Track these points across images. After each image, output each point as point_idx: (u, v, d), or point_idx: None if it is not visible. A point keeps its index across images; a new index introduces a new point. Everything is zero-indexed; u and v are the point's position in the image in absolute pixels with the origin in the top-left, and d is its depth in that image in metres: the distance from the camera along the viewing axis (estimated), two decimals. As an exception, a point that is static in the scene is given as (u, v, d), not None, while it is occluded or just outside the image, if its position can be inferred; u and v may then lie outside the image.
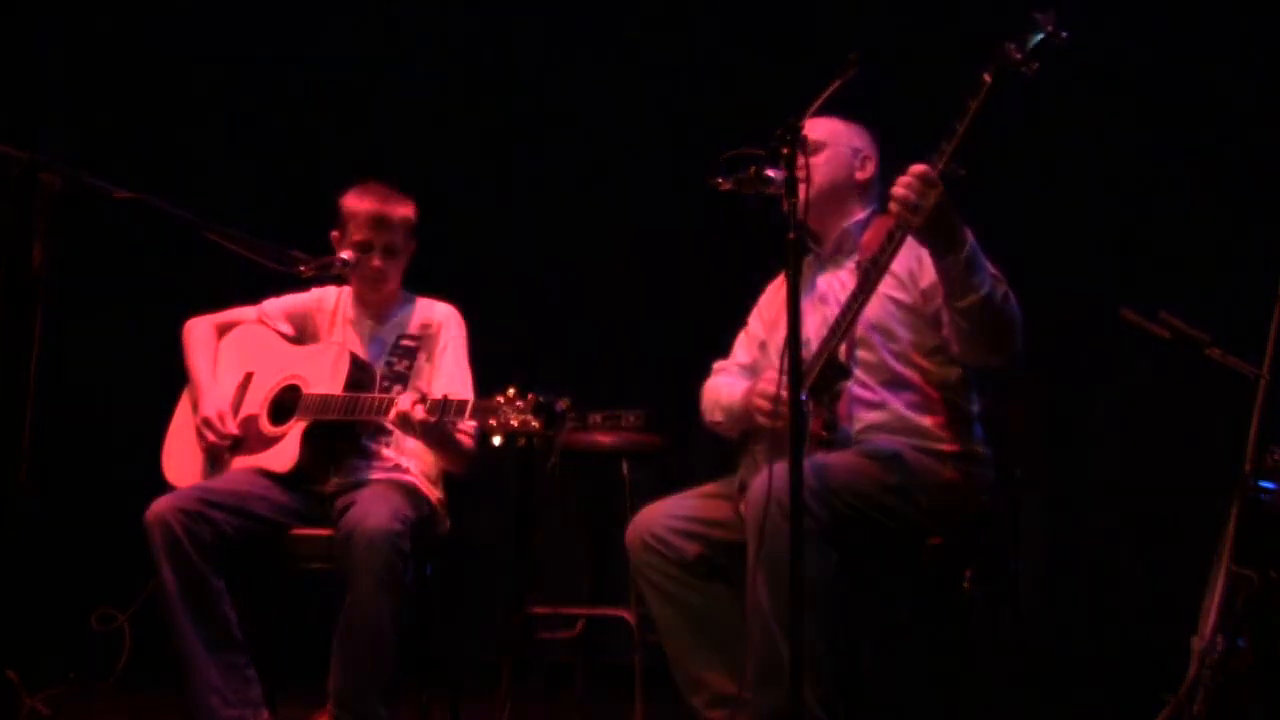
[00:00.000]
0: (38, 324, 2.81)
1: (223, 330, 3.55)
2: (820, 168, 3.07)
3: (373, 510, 3.05)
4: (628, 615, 3.90)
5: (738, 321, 3.49)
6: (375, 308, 3.51)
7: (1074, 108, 4.70)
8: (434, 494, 3.37)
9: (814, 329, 3.03)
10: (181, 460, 3.44)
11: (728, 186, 2.73)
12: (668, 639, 3.00)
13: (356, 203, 3.45)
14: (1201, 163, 4.50)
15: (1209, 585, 2.80)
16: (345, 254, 3.38)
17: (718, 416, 3.23)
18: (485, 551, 5.15)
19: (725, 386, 3.25)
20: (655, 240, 5.05)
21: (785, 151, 2.52)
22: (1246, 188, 4.38)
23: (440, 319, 3.49)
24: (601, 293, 5.14)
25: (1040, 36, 2.57)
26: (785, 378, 2.46)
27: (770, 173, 2.67)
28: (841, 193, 3.15)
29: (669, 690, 3.09)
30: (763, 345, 3.28)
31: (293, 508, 3.26)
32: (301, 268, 3.33)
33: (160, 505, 3.11)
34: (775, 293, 3.34)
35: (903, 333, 3.00)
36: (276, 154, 5.23)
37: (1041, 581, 4.79)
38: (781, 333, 3.17)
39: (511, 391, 2.97)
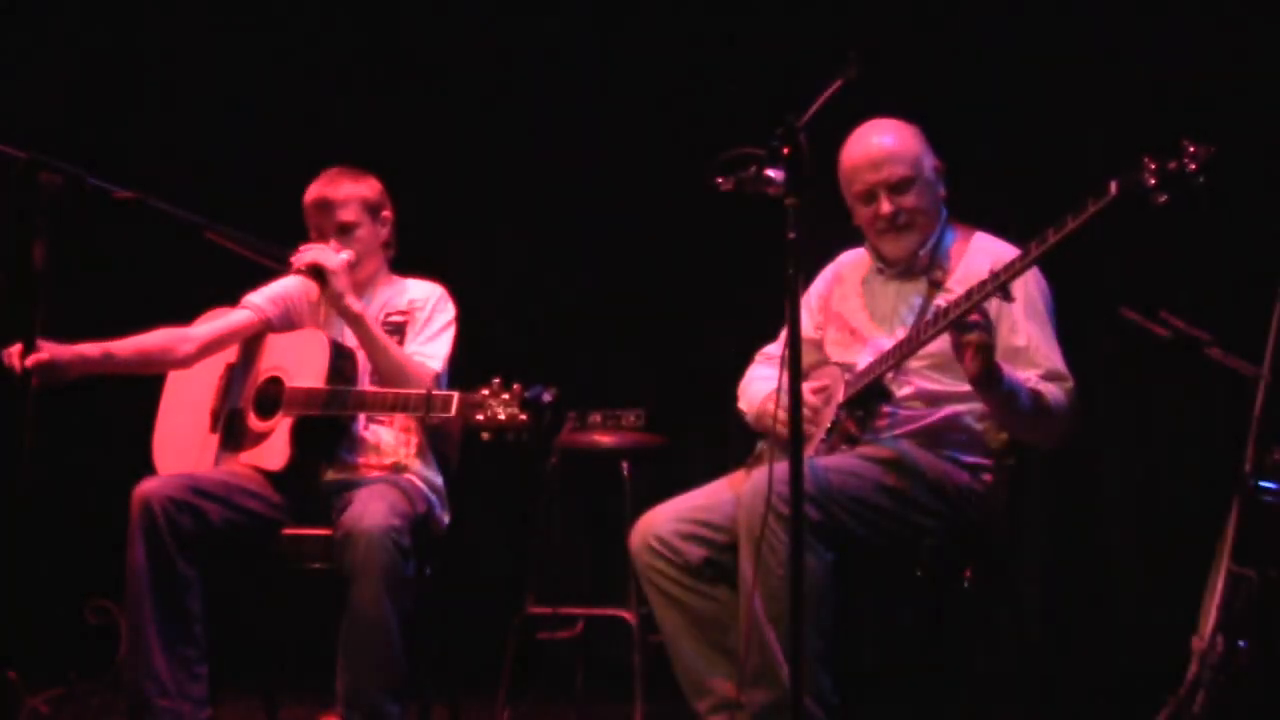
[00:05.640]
0: (38, 323, 2.82)
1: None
2: (911, 210, 3.06)
3: (370, 509, 3.05)
4: (628, 615, 3.90)
5: (737, 321, 3.50)
6: (358, 288, 3.44)
7: (1073, 105, 4.71)
8: (434, 483, 3.37)
9: (873, 345, 3.05)
10: (171, 449, 3.44)
11: (728, 186, 2.72)
12: (672, 643, 3.00)
13: (305, 196, 3.44)
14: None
15: (1209, 585, 2.79)
16: (347, 252, 3.37)
17: (743, 405, 3.28)
18: (485, 551, 5.15)
19: (757, 381, 3.26)
20: (656, 239, 5.05)
21: (786, 151, 2.51)
22: (1246, 187, 4.38)
23: (428, 293, 3.48)
24: (601, 292, 5.14)
25: (1183, 170, 2.51)
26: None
27: (770, 173, 2.67)
28: (932, 221, 3.12)
29: (669, 690, 3.09)
30: (818, 345, 3.24)
31: (286, 505, 3.26)
32: None
33: (148, 486, 3.10)
34: (828, 286, 3.32)
35: (960, 371, 2.94)
36: (275, 149, 5.23)
37: (1041, 581, 4.79)
38: (835, 332, 3.19)
39: (496, 383, 2.96)
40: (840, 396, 3.02)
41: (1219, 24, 4.54)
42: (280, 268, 3.31)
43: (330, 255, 3.28)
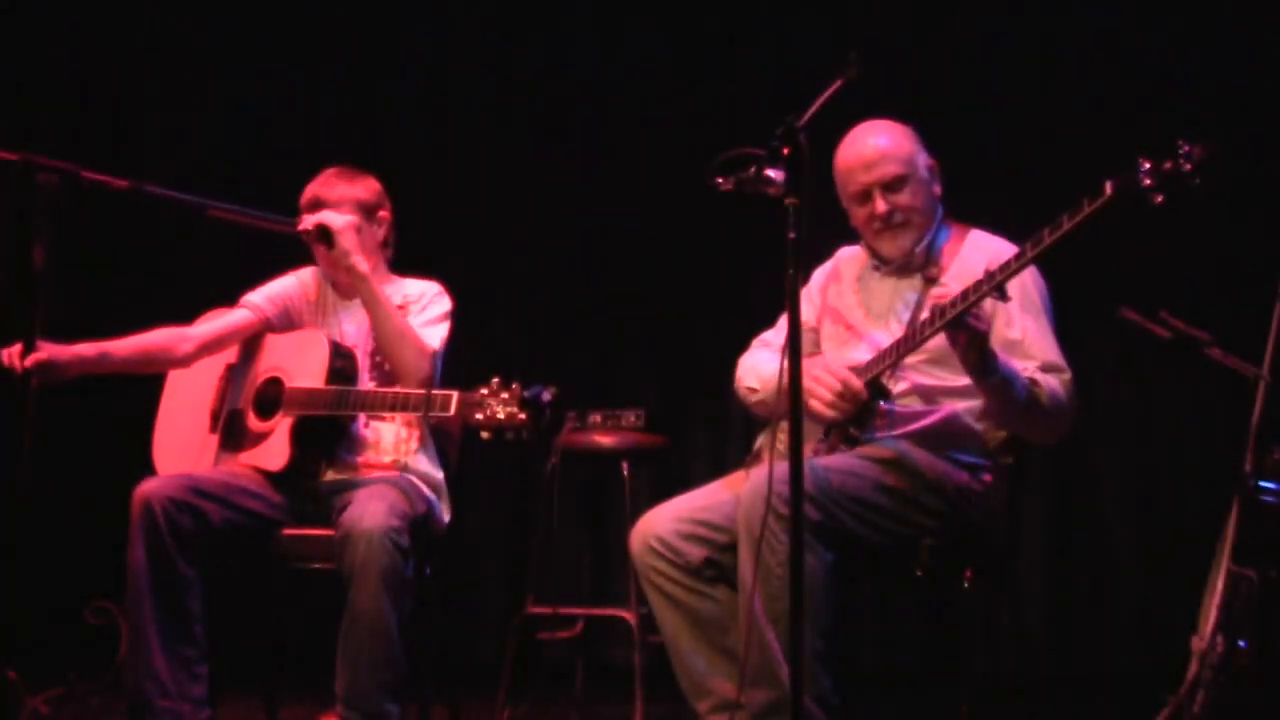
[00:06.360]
0: (38, 323, 2.82)
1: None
2: (906, 208, 3.06)
3: (370, 509, 3.04)
4: (628, 615, 3.90)
5: (737, 321, 3.49)
6: (352, 289, 3.41)
7: (1074, 104, 4.71)
8: (435, 480, 3.36)
9: (869, 341, 3.05)
10: (171, 449, 3.44)
11: (728, 187, 2.72)
12: (672, 643, 2.99)
13: (301, 197, 3.42)
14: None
15: (1209, 585, 2.80)
16: (351, 215, 3.34)
17: (752, 383, 3.21)
18: (485, 551, 5.16)
19: (767, 362, 3.21)
20: (656, 239, 5.05)
21: (786, 152, 2.51)
22: (1247, 187, 4.39)
23: (424, 289, 3.45)
24: (601, 292, 5.14)
25: (1179, 170, 2.51)
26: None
27: (770, 173, 2.66)
28: (927, 218, 3.11)
29: (669, 690, 3.09)
30: (815, 338, 3.24)
31: (286, 506, 3.26)
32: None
33: (148, 486, 3.10)
34: (827, 281, 3.31)
35: (957, 368, 2.93)
36: (275, 149, 5.23)
37: (1041, 581, 4.79)
38: (831, 327, 3.19)
39: (495, 382, 2.95)
40: None
41: (1219, 24, 4.55)
42: (288, 229, 3.28)
43: (335, 216, 3.27)
